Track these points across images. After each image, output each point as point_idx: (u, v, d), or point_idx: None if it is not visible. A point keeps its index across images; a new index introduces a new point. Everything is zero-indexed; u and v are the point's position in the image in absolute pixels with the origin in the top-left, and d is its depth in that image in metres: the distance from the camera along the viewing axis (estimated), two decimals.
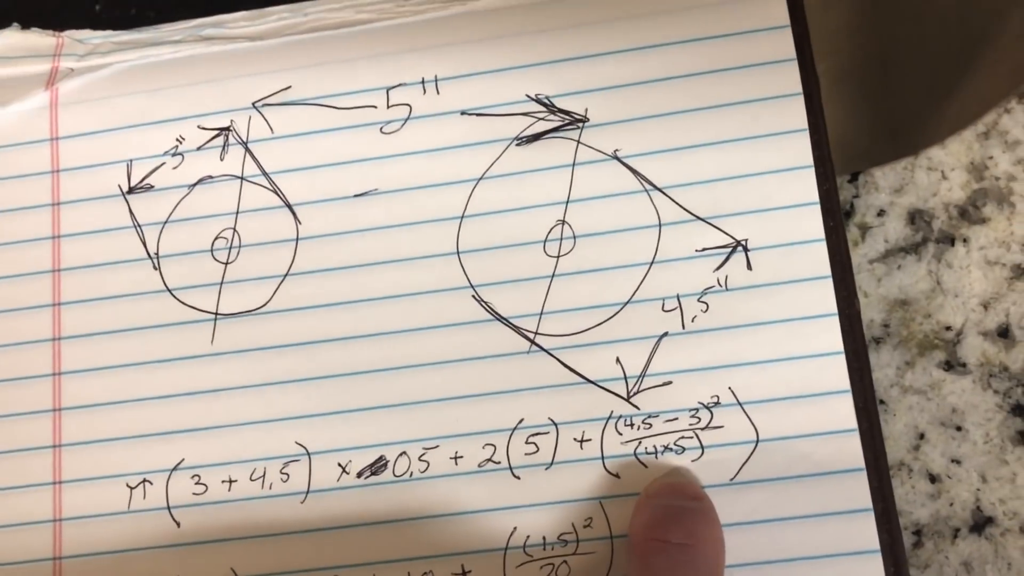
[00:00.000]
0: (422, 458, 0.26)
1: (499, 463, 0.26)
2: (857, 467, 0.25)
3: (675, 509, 0.24)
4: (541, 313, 0.27)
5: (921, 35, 0.35)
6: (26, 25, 0.30)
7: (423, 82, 0.28)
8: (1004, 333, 0.27)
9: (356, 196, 0.28)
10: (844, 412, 0.25)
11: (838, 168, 0.27)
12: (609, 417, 0.26)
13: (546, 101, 0.28)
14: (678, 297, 0.26)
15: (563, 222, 0.27)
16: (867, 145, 0.31)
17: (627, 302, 0.27)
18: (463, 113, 0.28)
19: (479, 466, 0.26)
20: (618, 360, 0.26)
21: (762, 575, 0.25)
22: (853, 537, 0.25)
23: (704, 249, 0.27)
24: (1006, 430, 0.27)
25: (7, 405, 0.28)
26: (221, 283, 0.28)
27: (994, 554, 0.26)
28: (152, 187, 0.29)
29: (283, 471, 0.27)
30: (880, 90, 0.36)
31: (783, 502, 0.25)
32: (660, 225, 0.27)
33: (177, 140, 0.29)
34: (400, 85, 0.28)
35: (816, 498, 0.25)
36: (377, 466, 0.26)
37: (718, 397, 0.26)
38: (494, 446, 0.26)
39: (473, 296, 0.27)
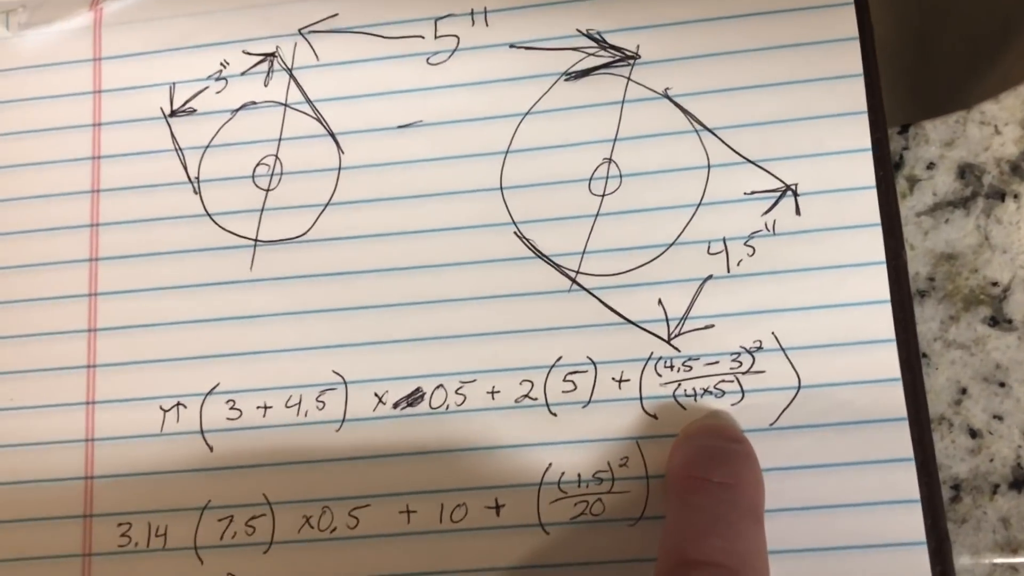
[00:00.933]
0: (459, 391, 0.26)
1: (536, 399, 0.26)
2: (899, 416, 0.25)
3: (715, 449, 0.24)
4: (583, 252, 0.26)
5: (960, 3, 0.35)
6: None
7: (472, 13, 0.28)
8: None
9: (400, 127, 0.28)
10: (888, 361, 0.25)
11: (888, 119, 0.27)
12: (649, 358, 0.26)
13: (597, 36, 0.27)
14: (724, 240, 0.26)
15: (610, 160, 0.27)
16: (904, 119, 0.31)
17: (672, 243, 0.26)
18: (511, 46, 0.28)
19: (516, 402, 0.26)
20: (660, 302, 0.26)
21: (800, 521, 0.24)
22: (893, 486, 0.24)
23: (753, 192, 0.26)
24: None
25: (43, 324, 0.28)
26: (262, 210, 0.28)
27: None
28: (195, 111, 0.28)
29: (319, 399, 0.26)
30: (917, 64, 0.35)
31: (823, 449, 0.25)
32: (709, 167, 0.26)
33: (221, 64, 0.29)
34: (448, 16, 0.28)
35: (857, 446, 0.25)
36: (414, 398, 0.26)
37: (761, 342, 0.25)
38: (531, 382, 0.26)
39: (515, 233, 0.27)
